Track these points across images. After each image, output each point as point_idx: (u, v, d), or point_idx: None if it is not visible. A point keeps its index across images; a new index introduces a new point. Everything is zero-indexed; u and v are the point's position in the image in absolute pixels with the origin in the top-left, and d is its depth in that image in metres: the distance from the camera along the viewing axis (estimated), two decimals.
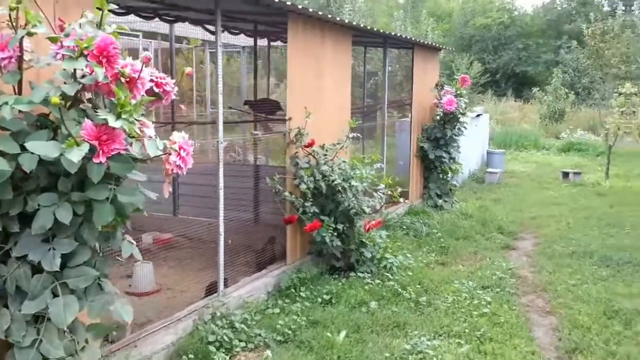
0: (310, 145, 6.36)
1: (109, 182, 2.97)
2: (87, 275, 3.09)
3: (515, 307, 6.31)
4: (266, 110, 7.42)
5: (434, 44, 11.05)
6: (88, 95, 3.13)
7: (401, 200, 6.63)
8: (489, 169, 14.81)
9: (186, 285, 6.63)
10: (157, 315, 5.66)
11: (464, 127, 10.66)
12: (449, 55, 33.07)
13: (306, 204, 6.39)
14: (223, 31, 9.11)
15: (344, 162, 6.85)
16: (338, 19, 7.20)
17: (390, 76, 17.33)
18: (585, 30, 20.10)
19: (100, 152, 2.83)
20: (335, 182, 6.41)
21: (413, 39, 9.65)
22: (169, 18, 8.21)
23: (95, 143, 2.82)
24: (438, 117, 10.53)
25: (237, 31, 9.28)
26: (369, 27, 7.74)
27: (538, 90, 26.84)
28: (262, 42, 10.00)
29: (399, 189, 10.44)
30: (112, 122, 2.77)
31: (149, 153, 2.99)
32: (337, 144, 6.83)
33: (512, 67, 36.94)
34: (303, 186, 6.28)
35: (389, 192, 6.68)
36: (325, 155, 6.68)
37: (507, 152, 18.79)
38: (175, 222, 8.97)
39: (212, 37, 10.77)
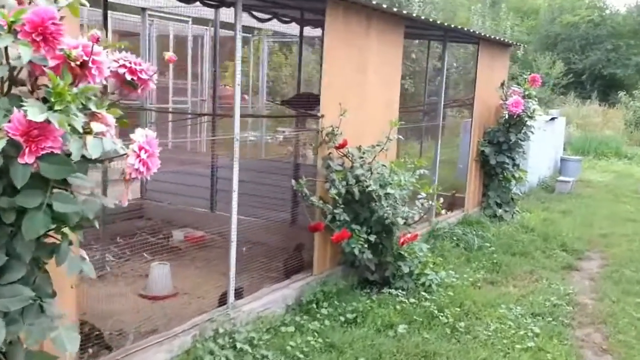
0: (343, 146, 5.75)
1: (43, 186, 2.48)
2: (21, 296, 2.61)
3: (566, 341, 5.50)
4: (304, 105, 6.85)
5: (503, 40, 10.15)
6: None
7: (443, 212, 5.92)
8: (561, 177, 13.71)
9: (205, 290, 6.17)
10: (165, 325, 5.24)
11: (531, 132, 9.75)
12: (533, 53, 31.58)
13: (336, 210, 5.79)
14: (271, 18, 8.61)
15: (384, 166, 6.20)
16: (385, 6, 6.53)
17: (459, 73, 16.44)
18: None
19: (27, 150, 2.35)
20: (370, 189, 5.78)
21: (478, 32, 8.83)
22: (212, 2, 7.77)
23: (20, 139, 2.33)
24: (503, 120, 9.68)
25: (287, 19, 8.75)
26: (423, 18, 7.03)
27: (625, 95, 25.01)
28: (316, 32, 9.45)
29: (455, 194, 9.78)
30: (34, 114, 2.27)
31: (92, 154, 2.48)
32: (377, 145, 6.19)
33: (599, 68, 34.80)
34: (333, 191, 5.68)
35: (432, 202, 5.97)
36: (362, 157, 6.05)
37: (584, 160, 17.52)
38: (212, 219, 8.57)
39: (267, 25, 10.34)
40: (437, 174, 8.64)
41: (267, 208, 7.42)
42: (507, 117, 9.53)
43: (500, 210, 9.77)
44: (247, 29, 12.35)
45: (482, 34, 9.02)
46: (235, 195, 5.08)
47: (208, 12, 8.97)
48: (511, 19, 23.07)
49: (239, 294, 5.33)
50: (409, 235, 5.81)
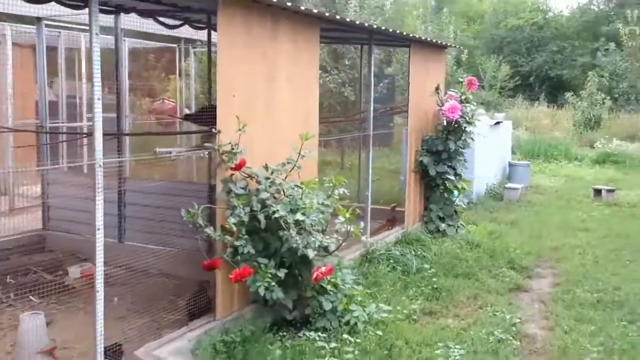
0: (240, 167, 4.84)
1: None
2: None
3: None
4: (209, 120, 5.92)
5: (436, 41, 9.42)
6: None
7: (363, 238, 5.06)
8: (509, 184, 13.08)
9: (89, 343, 5.18)
10: None
11: (471, 138, 9.02)
12: (479, 57, 31.25)
13: (237, 242, 4.87)
14: (182, 24, 7.71)
15: (298, 187, 5.31)
16: (297, 5, 5.67)
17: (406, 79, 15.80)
18: (623, 31, 18.15)
19: None
20: (278, 215, 4.89)
21: (409, 35, 8.06)
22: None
23: None
24: (441, 127, 8.94)
25: (201, 25, 7.83)
26: (338, 17, 6.21)
27: (572, 95, 24.78)
28: None
29: (395, 208, 8.98)
30: None
31: None
32: (287, 163, 5.30)
33: (545, 70, 34.82)
34: (232, 219, 4.76)
35: (349, 227, 5.09)
36: (269, 178, 5.15)
37: (534, 163, 17.02)
38: (119, 250, 7.55)
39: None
40: (369, 188, 7.81)
41: (174, 235, 6.53)
42: (445, 123, 8.78)
43: (443, 225, 9.00)
44: (189, 40, 11.45)
45: (413, 36, 8.26)
46: (100, 235, 4.13)
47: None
48: (454, 23, 22.48)
49: (115, 353, 4.36)
50: (323, 269, 4.92)
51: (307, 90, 6.19)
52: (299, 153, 5.28)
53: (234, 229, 4.74)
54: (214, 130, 4.95)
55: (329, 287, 5.51)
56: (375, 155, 15.84)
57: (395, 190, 10.68)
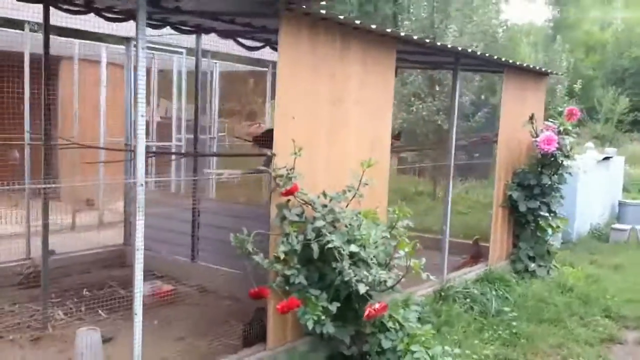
0: (291, 192, 4.61)
1: None
2: None
3: None
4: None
5: (538, 68, 8.83)
6: None
7: (424, 275, 4.65)
8: (617, 225, 12.04)
9: None
10: None
11: (569, 173, 8.33)
12: (599, 89, 29.57)
13: (288, 272, 4.64)
14: (264, 46, 7.65)
15: (359, 216, 5.03)
16: (368, 24, 5.44)
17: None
18: None
19: None
20: (332, 245, 4.62)
21: (500, 59, 7.60)
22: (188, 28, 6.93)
23: None
24: (535, 160, 8.34)
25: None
26: (416, 37, 5.89)
27: None
28: None
29: (478, 241, 8.41)
30: None
31: None
32: (348, 190, 5.03)
33: None
34: (281, 248, 4.55)
35: (409, 262, 4.71)
36: (326, 206, 4.90)
37: None
38: (191, 269, 7.57)
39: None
40: (447, 221, 7.35)
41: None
42: (539, 156, 8.18)
43: (532, 265, 8.33)
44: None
45: (506, 60, 7.77)
46: (139, 256, 4.03)
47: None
48: (570, 52, 21.29)
49: None
50: (377, 306, 4.57)
51: (377, 115, 5.91)
52: (360, 180, 4.99)
53: (282, 257, 4.51)
54: (268, 153, 4.78)
55: (390, 324, 5.15)
56: (469, 186, 15.30)
57: (483, 225, 10.09)
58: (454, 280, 7.24)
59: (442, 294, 6.92)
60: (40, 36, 6.54)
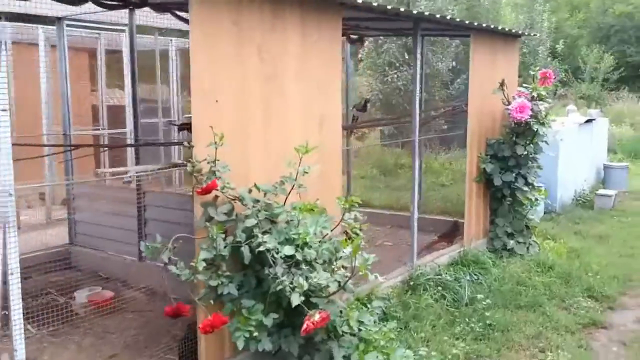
0: (208, 190, 3.95)
1: None
2: None
3: None
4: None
5: (507, 30, 8.13)
6: None
7: (372, 276, 4.03)
8: (601, 191, 11.47)
9: None
10: None
11: (544, 142, 7.70)
12: (583, 48, 28.78)
13: (212, 282, 4.01)
14: None
15: (295, 211, 4.38)
16: None
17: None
18: None
19: None
20: (263, 248, 3.98)
21: (463, 22, 6.89)
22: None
23: None
24: (508, 129, 7.72)
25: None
26: (366, 3, 5.17)
27: None
28: None
29: (458, 222, 7.82)
30: None
31: None
32: (281, 182, 4.38)
33: None
34: (201, 255, 3.92)
35: (354, 264, 4.08)
36: (258, 201, 4.26)
37: (636, 165, 15.13)
38: (139, 270, 6.93)
39: None
40: (415, 201, 6.73)
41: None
42: (513, 125, 7.55)
43: (511, 242, 7.74)
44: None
45: (472, 23, 7.08)
46: (15, 282, 3.39)
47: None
48: (549, 10, 20.44)
49: None
50: (317, 318, 3.95)
51: (324, 91, 5.23)
52: (298, 170, 4.34)
53: (200, 267, 3.87)
54: (185, 144, 4.12)
55: (344, 328, 4.56)
56: (453, 157, 14.67)
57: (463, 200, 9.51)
58: (425, 267, 6.65)
59: (412, 282, 6.33)
60: None
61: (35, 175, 8.98)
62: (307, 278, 3.93)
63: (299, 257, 3.97)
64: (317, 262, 4.23)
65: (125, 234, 7.08)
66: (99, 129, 9.63)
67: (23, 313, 5.48)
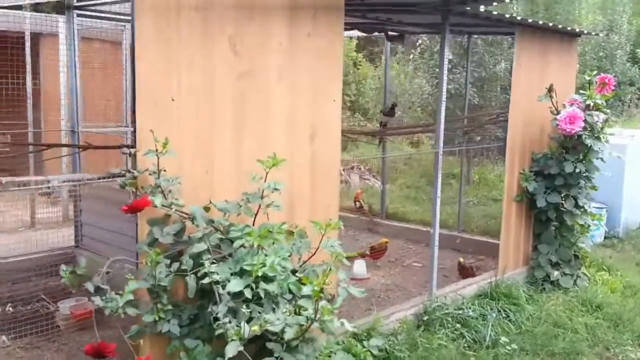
0: (135, 208, 3.27)
1: None
2: None
3: None
4: None
5: (560, 27, 7.08)
6: None
7: (338, 323, 3.22)
8: None
9: None
10: None
11: (599, 158, 6.64)
12: None
13: (148, 317, 3.34)
14: None
15: (249, 236, 3.63)
16: None
17: None
18: None
19: None
20: (207, 280, 3.28)
21: (503, 16, 5.97)
22: None
23: None
24: (557, 143, 6.72)
25: None
26: None
27: None
28: None
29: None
30: None
31: None
32: (247, 200, 3.66)
33: None
34: (130, 286, 3.25)
35: (317, 307, 3.31)
36: (212, 222, 3.55)
37: None
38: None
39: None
40: (437, 221, 5.87)
41: None
42: (561, 138, 6.56)
43: (556, 273, 6.72)
44: None
45: (516, 18, 6.13)
46: None
47: None
48: (627, 12, 18.82)
49: None
50: None
51: (319, 95, 4.46)
52: (264, 186, 3.61)
53: (127, 299, 3.20)
54: (124, 150, 3.46)
55: None
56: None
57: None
58: (445, 298, 5.78)
59: (426, 317, 5.47)
60: None
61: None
62: (257, 319, 3.19)
63: (247, 294, 3.23)
64: (284, 298, 3.50)
65: (125, 240, 6.59)
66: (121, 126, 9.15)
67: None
